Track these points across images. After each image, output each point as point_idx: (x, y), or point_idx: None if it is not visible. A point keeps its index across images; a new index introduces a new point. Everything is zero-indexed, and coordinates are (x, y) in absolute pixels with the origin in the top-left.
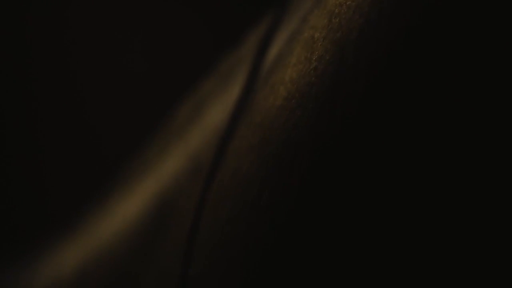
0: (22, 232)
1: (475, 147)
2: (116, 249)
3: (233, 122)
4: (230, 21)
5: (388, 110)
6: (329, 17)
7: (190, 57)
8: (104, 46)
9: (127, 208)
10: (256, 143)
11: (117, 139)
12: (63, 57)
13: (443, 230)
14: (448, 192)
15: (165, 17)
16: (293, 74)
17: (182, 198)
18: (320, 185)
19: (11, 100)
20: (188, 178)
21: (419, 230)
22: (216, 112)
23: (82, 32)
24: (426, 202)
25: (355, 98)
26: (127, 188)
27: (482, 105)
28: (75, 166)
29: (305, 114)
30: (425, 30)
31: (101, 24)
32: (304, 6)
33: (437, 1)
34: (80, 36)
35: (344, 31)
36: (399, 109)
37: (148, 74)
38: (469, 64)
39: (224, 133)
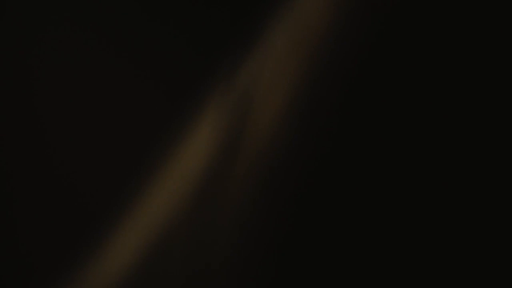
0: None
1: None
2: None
3: (229, 150)
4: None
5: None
6: (298, 33)
7: (159, 98)
8: (74, 84)
9: (122, 251)
10: (250, 168)
11: (97, 185)
12: (30, 105)
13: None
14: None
15: (135, 55)
16: (276, 95)
17: (179, 238)
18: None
19: None
20: (181, 216)
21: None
22: (194, 148)
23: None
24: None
25: (336, 104)
26: (115, 231)
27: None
28: (58, 214)
29: (291, 129)
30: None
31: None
32: (271, 32)
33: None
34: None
35: (315, 41)
36: (376, 98)
37: (118, 118)
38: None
39: (218, 164)
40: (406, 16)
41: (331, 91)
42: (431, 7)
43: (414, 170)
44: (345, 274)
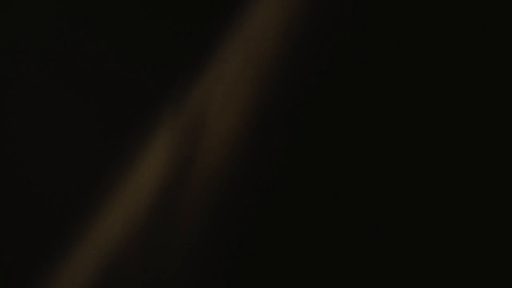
0: None
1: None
2: None
3: (183, 165)
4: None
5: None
6: (250, 52)
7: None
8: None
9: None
10: (204, 187)
11: (57, 201)
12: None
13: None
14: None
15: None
16: (229, 113)
17: (136, 245)
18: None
19: None
20: (138, 227)
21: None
22: (149, 164)
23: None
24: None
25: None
26: (75, 240)
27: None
28: (23, 227)
29: (245, 146)
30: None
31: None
32: (223, 52)
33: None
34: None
35: (267, 60)
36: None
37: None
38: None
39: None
40: (359, 34)
41: (283, 109)
42: (381, 24)
43: (371, 193)
44: (300, 281)
